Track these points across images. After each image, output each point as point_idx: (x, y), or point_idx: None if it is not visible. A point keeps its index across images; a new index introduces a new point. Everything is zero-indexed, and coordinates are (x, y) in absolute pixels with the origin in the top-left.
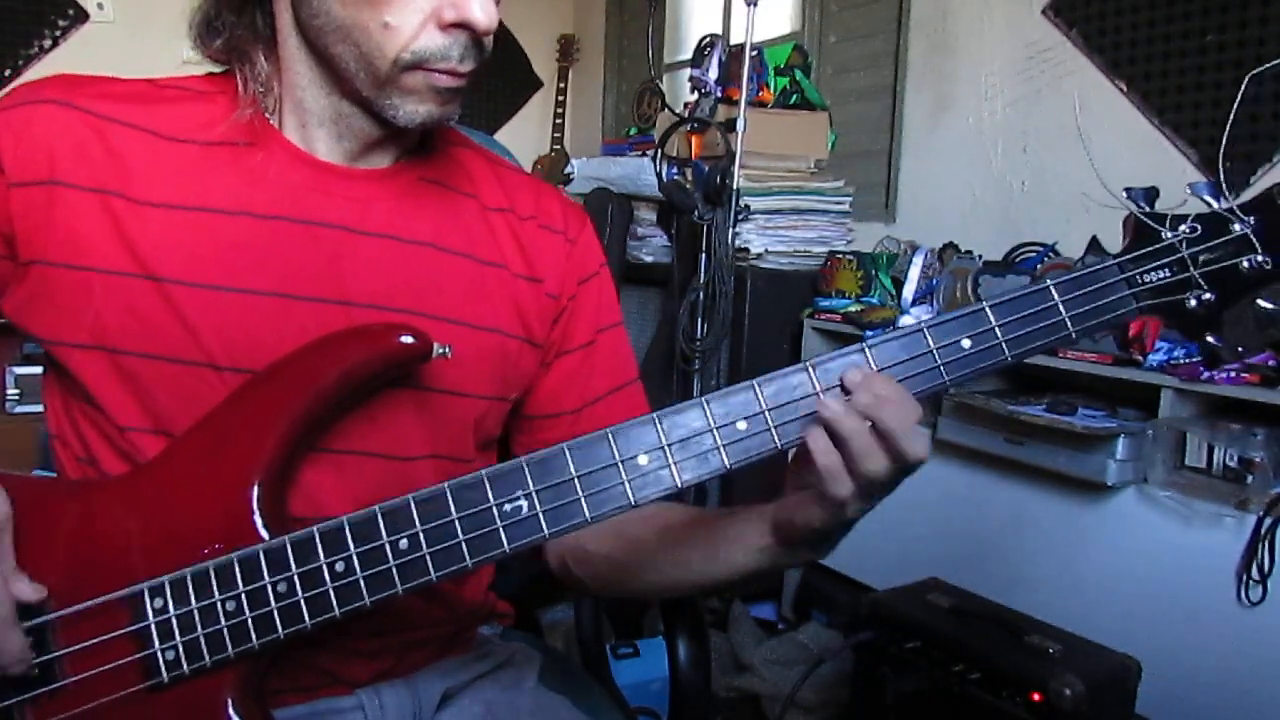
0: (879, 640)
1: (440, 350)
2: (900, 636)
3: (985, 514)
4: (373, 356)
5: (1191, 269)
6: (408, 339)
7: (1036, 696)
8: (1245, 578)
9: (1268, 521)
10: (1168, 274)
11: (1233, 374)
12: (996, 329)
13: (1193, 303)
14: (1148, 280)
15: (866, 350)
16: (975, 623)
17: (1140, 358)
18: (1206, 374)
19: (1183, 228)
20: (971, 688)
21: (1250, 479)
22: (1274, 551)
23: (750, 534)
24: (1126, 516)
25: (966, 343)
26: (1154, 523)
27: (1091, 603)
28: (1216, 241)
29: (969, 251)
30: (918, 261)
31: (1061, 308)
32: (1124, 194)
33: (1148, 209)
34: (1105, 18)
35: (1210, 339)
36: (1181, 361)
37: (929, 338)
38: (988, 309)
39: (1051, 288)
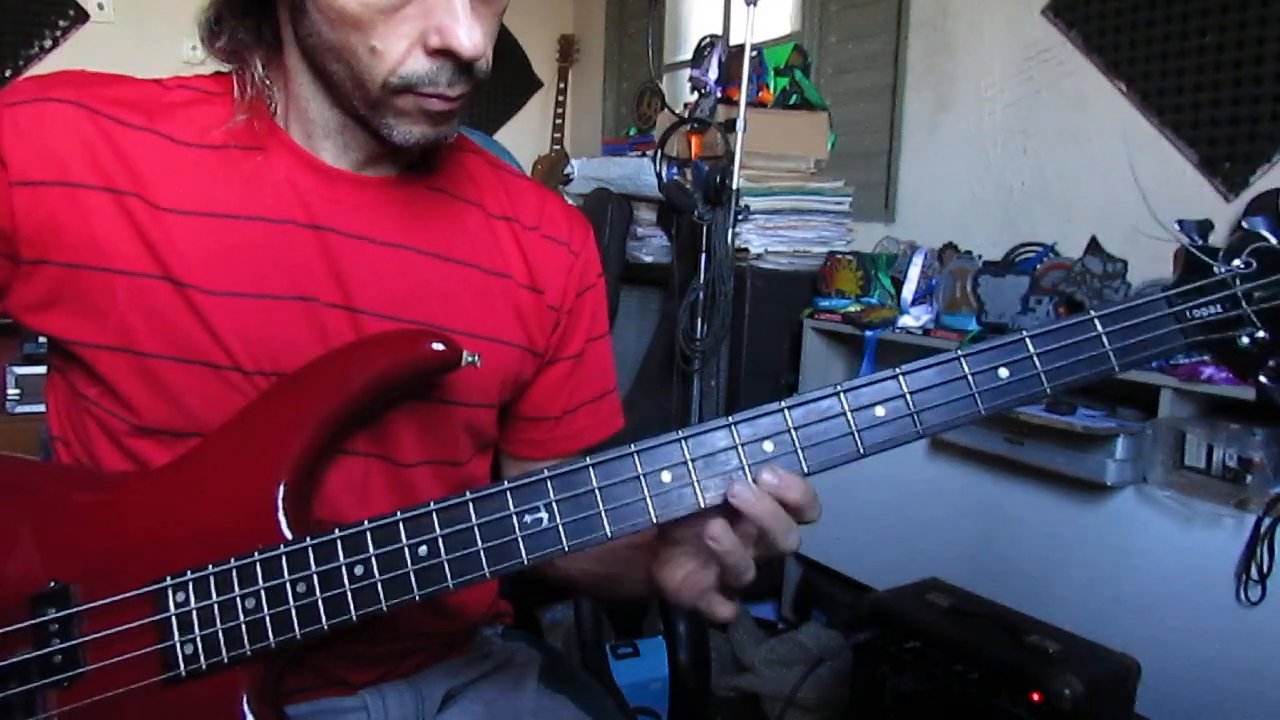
0: (879, 640)
1: (470, 359)
2: (900, 636)
3: (985, 514)
4: (405, 363)
5: (1245, 306)
6: (439, 346)
7: (1036, 696)
8: (1244, 578)
9: (1267, 521)
10: (1219, 310)
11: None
12: (1035, 359)
13: (1245, 340)
14: (1197, 315)
15: (900, 377)
16: (975, 622)
17: None
18: (1206, 373)
19: (1236, 262)
20: (971, 688)
21: (1250, 479)
22: (1273, 551)
23: (639, 578)
24: (1126, 516)
25: (1004, 372)
26: (1153, 523)
27: (1091, 603)
28: (1273, 278)
29: (968, 251)
30: (917, 261)
31: (1105, 340)
32: (1176, 226)
33: (1200, 242)
34: (1105, 18)
35: (1263, 379)
36: (1181, 361)
37: (965, 365)
38: (1027, 339)
39: (1095, 320)
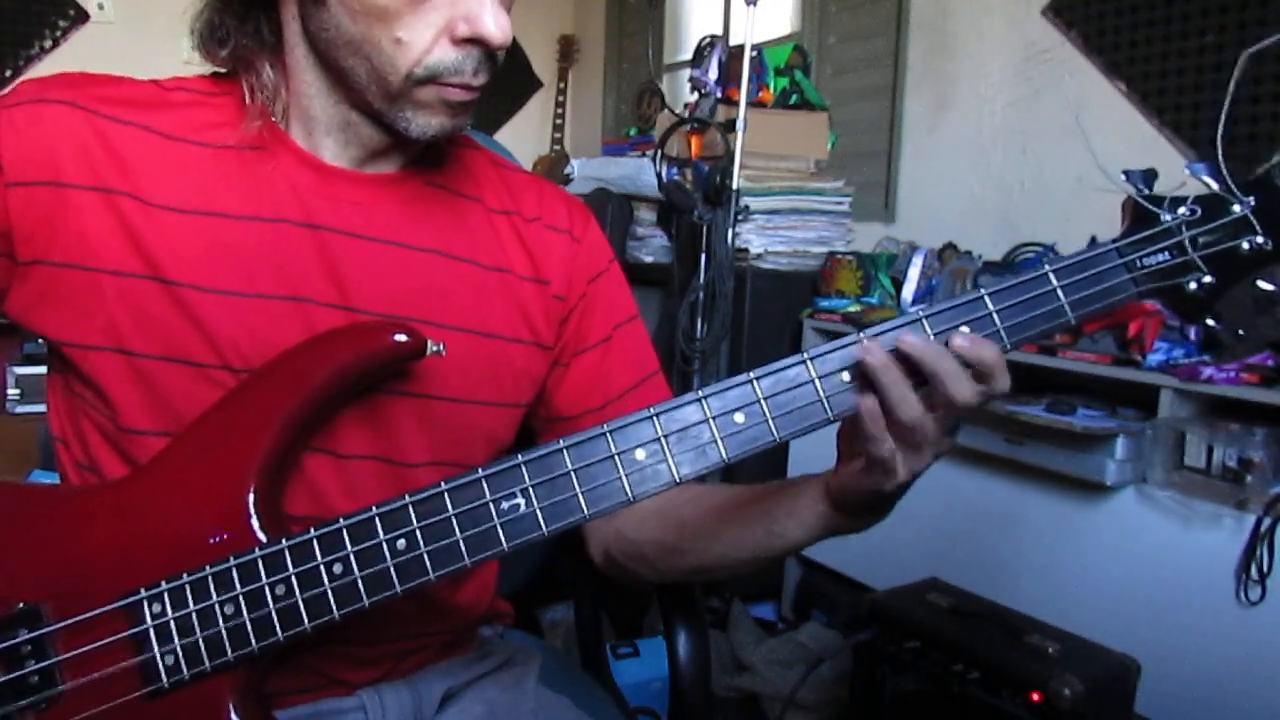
0: (879, 640)
1: (435, 348)
2: (900, 636)
3: (985, 514)
4: (365, 355)
5: (1191, 252)
6: (401, 337)
7: (1036, 696)
8: (1244, 578)
9: (1267, 521)
10: (1167, 257)
11: (1232, 374)
12: (995, 315)
13: (1192, 285)
14: (1147, 264)
15: (865, 342)
16: (975, 623)
17: (1139, 358)
18: (1206, 373)
19: (1182, 210)
20: (971, 688)
21: (1249, 479)
22: (1273, 551)
23: (804, 507)
24: (1126, 516)
25: (966, 331)
26: (1153, 523)
27: (1091, 603)
28: (1216, 223)
29: (968, 252)
30: (917, 262)
31: (1060, 293)
32: (1122, 177)
33: (1146, 191)
34: (1105, 18)
35: (1210, 322)
36: (1181, 361)
37: (926, 327)
38: (986, 297)
39: (1050, 274)
